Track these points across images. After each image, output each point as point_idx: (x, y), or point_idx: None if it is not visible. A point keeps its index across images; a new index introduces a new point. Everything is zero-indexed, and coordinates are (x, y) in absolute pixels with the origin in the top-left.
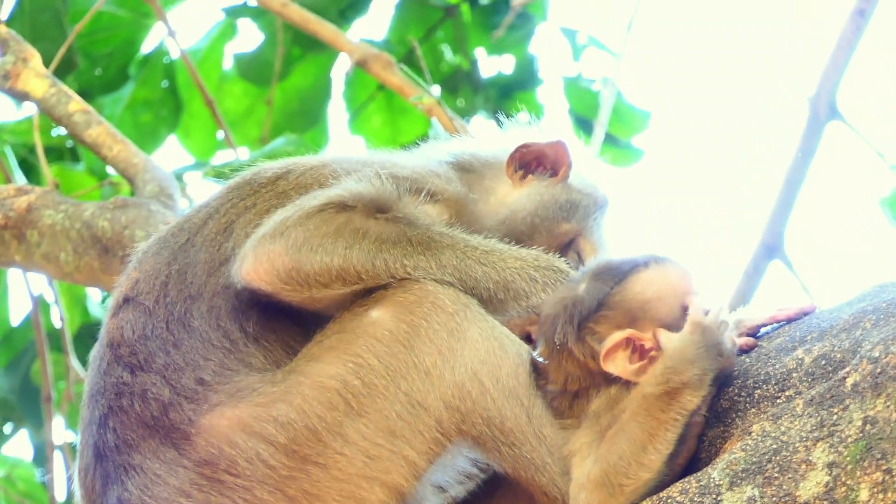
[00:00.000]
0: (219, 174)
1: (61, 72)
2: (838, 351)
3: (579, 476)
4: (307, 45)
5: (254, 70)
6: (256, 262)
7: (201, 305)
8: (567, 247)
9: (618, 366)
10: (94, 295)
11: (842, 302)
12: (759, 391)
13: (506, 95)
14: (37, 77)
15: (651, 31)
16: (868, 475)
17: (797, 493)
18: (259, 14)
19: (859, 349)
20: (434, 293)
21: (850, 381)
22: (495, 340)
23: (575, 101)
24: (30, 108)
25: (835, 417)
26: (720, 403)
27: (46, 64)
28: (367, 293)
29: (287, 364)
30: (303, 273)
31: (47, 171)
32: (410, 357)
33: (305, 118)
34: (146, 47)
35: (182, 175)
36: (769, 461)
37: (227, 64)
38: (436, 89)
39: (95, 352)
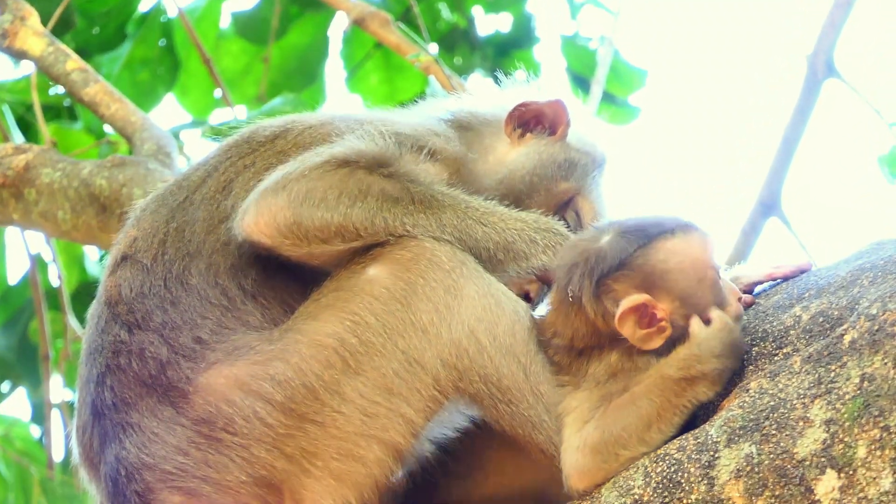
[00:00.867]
0: (216, 133)
1: (59, 30)
2: (836, 308)
3: (575, 439)
4: (304, 3)
5: (251, 28)
6: (258, 215)
7: (199, 263)
8: (565, 205)
9: (627, 328)
10: (91, 253)
11: (839, 259)
12: (756, 348)
13: (503, 54)
14: (34, 35)
15: None
16: (866, 432)
17: (795, 450)
18: None
19: (857, 306)
20: (431, 249)
21: (847, 339)
22: (492, 297)
23: (572, 59)
24: (27, 67)
25: (832, 374)
26: None
27: (44, 22)
28: (364, 250)
29: (285, 322)
30: (303, 228)
31: (45, 129)
32: (408, 315)
33: (303, 76)
34: (143, 6)
35: (179, 133)
36: (767, 418)
37: (225, 22)
38: (433, 47)
39: (93, 310)
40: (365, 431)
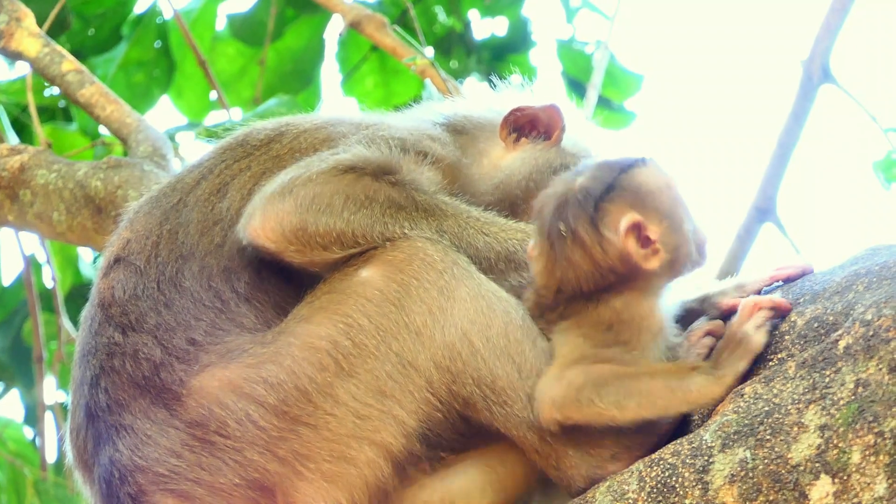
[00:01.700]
0: (211, 134)
1: (54, 32)
2: (831, 314)
3: (556, 371)
4: (300, 6)
5: (247, 30)
6: (264, 220)
7: (193, 265)
8: None
9: (630, 244)
10: (85, 255)
11: (834, 265)
12: None
13: (499, 57)
14: (30, 37)
15: None
16: (860, 438)
17: (789, 456)
18: None
19: (852, 312)
20: (423, 249)
21: (842, 344)
22: (483, 299)
23: (568, 63)
24: (23, 68)
25: (827, 380)
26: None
27: (40, 24)
28: (358, 253)
29: (278, 324)
30: (308, 233)
31: (40, 130)
32: (401, 317)
33: (298, 79)
34: (139, 7)
35: (175, 135)
36: (761, 423)
37: (221, 24)
38: (429, 51)
39: (87, 312)
40: (357, 433)
